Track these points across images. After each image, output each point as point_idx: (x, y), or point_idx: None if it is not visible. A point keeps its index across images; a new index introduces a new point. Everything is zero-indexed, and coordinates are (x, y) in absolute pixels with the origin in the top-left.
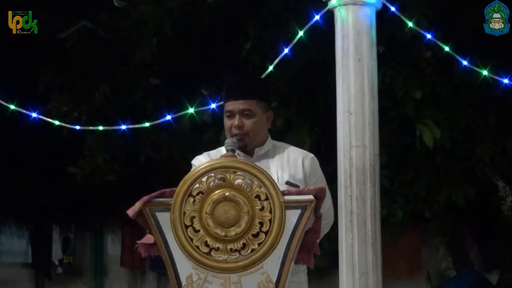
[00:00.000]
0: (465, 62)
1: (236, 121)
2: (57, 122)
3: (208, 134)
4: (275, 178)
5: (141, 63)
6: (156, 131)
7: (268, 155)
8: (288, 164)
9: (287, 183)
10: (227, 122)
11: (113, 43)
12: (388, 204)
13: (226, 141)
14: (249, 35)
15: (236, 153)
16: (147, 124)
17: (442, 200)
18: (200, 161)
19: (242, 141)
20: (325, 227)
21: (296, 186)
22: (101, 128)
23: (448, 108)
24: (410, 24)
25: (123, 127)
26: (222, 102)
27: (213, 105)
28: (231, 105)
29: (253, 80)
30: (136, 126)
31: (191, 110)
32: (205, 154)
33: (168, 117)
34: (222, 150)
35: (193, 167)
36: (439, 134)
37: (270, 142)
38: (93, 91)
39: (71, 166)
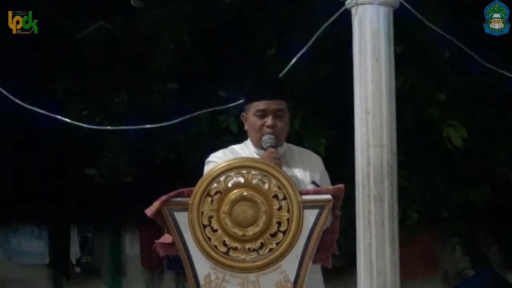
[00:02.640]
0: (482, 61)
1: (269, 120)
2: (77, 123)
3: (227, 137)
4: (299, 178)
5: (159, 71)
6: (174, 133)
7: (286, 156)
8: (307, 165)
9: (313, 183)
10: (256, 121)
11: (131, 47)
12: (403, 205)
13: (263, 138)
14: (270, 40)
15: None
16: (164, 124)
17: (459, 200)
18: (220, 159)
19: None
20: None
21: (319, 186)
22: (118, 128)
23: (467, 108)
24: (427, 23)
25: (140, 127)
26: (241, 101)
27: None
28: (264, 104)
29: (281, 81)
30: (153, 125)
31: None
32: (223, 150)
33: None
34: (236, 148)
35: (211, 165)
36: (466, 134)
37: (285, 144)
38: (112, 96)
39: (89, 168)
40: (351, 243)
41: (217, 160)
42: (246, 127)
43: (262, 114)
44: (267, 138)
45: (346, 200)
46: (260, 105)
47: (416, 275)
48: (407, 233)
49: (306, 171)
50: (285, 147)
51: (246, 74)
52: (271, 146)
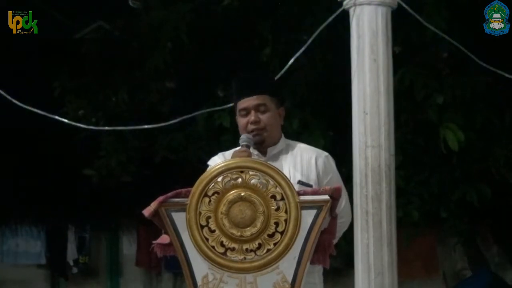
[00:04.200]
0: (480, 62)
1: (252, 117)
2: (74, 123)
3: (225, 137)
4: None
5: (156, 68)
6: (172, 133)
7: (281, 154)
8: (301, 164)
9: (299, 182)
10: (242, 120)
11: (129, 47)
12: (403, 205)
13: (241, 136)
14: (268, 40)
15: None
16: (162, 124)
17: (457, 200)
18: (215, 162)
19: (260, 135)
20: (342, 226)
21: (309, 185)
22: (117, 128)
23: (466, 108)
24: (425, 23)
25: (139, 127)
26: (232, 104)
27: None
28: (245, 102)
29: (263, 76)
30: (151, 126)
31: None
32: (220, 154)
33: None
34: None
35: (209, 168)
36: (463, 137)
37: (283, 141)
38: (109, 96)
39: (87, 168)
40: (349, 243)
41: (212, 163)
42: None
43: (245, 112)
44: (244, 137)
45: None
46: (241, 104)
47: (415, 276)
48: (405, 233)
49: (297, 170)
50: (282, 145)
51: (242, 73)
52: (246, 146)
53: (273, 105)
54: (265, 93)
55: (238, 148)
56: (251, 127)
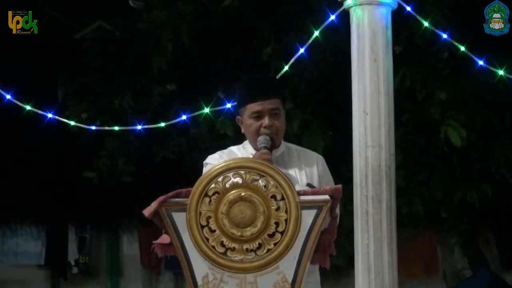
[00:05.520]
0: (481, 62)
1: (266, 121)
2: (73, 123)
3: (227, 141)
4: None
5: (160, 70)
6: (175, 137)
7: (283, 157)
8: (304, 166)
9: (308, 185)
10: (253, 123)
11: (129, 48)
12: (407, 203)
13: (258, 139)
14: (269, 40)
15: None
16: (162, 124)
17: (458, 200)
18: (216, 160)
19: (272, 140)
20: None
21: (315, 187)
22: (116, 128)
23: (466, 108)
24: (426, 23)
25: (139, 127)
26: (235, 103)
27: (228, 105)
28: (259, 106)
29: (274, 80)
30: (150, 126)
31: (206, 110)
32: (219, 152)
33: (184, 117)
34: (234, 149)
35: (209, 166)
36: (465, 134)
37: (283, 144)
38: (111, 98)
39: (87, 169)
40: (352, 243)
41: (213, 162)
42: (243, 131)
43: (258, 115)
44: (262, 139)
45: (345, 201)
46: (254, 107)
47: (415, 276)
48: (406, 233)
49: (302, 172)
50: (283, 148)
51: (244, 74)
52: (265, 147)
53: (282, 109)
54: (278, 97)
55: (259, 151)
56: (264, 131)
